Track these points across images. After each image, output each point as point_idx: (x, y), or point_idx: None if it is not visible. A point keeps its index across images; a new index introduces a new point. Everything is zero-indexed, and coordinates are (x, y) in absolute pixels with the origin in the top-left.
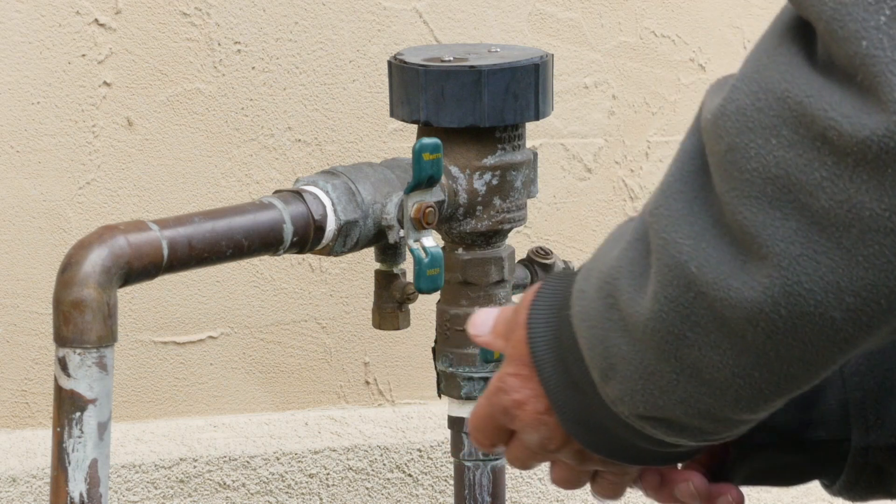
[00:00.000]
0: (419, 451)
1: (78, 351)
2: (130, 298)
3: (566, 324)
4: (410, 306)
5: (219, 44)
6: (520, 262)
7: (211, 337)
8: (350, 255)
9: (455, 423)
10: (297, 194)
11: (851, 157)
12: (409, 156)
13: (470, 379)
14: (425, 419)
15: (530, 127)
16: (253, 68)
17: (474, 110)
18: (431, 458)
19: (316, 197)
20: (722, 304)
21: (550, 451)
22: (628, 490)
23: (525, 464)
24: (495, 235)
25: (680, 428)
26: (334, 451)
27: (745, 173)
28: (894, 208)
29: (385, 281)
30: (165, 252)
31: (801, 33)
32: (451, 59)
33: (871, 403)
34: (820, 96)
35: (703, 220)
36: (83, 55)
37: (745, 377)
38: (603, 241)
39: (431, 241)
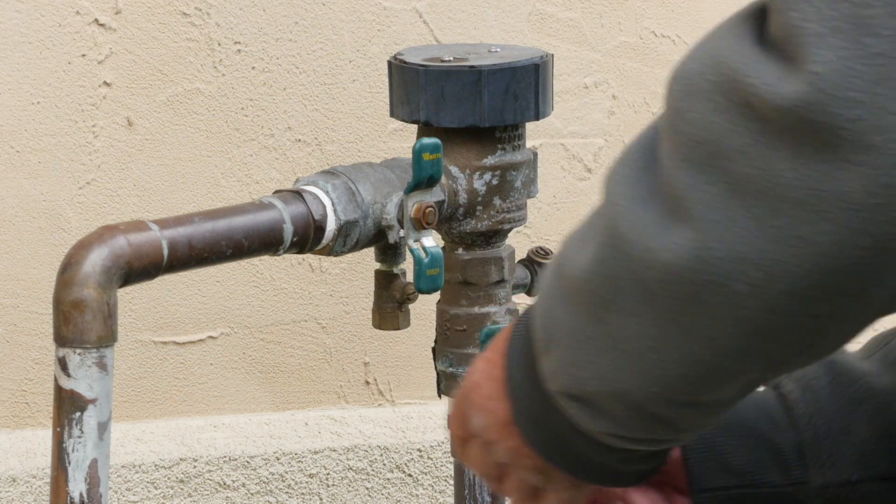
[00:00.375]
0: (419, 451)
1: (78, 351)
2: (130, 298)
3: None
4: (410, 306)
5: (219, 44)
6: (520, 262)
7: (211, 337)
8: (350, 255)
9: None
10: (297, 194)
11: (771, 125)
12: (409, 156)
13: None
14: (425, 419)
15: (530, 127)
16: (253, 68)
17: (474, 110)
18: (431, 458)
19: (316, 197)
20: (641, 264)
21: (491, 439)
22: None
23: (470, 458)
24: (495, 235)
25: (599, 412)
26: (334, 451)
27: (683, 136)
28: (807, 179)
29: (385, 281)
30: (165, 252)
31: (759, 14)
32: (451, 59)
33: (823, 443)
34: (750, 64)
35: (645, 184)
36: (83, 55)
37: (657, 351)
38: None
39: (431, 241)
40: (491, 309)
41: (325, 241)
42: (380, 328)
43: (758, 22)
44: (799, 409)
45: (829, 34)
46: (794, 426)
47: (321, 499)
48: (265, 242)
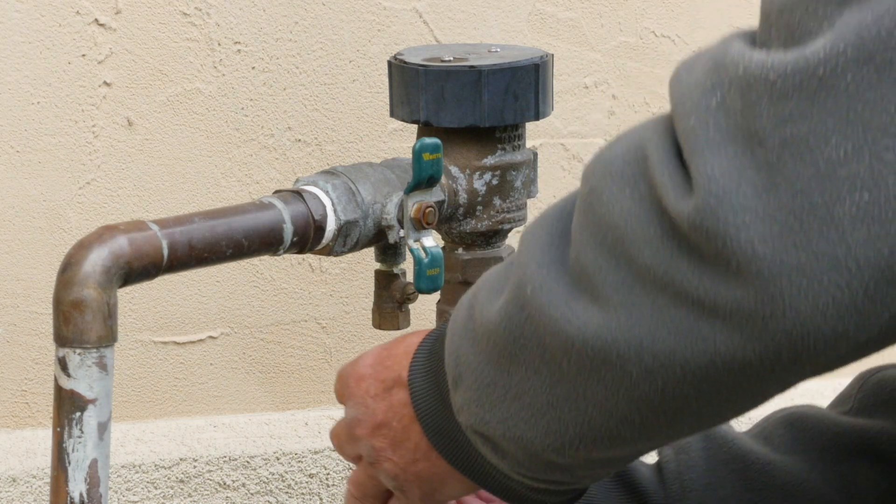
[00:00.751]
0: None
1: (78, 351)
2: (130, 298)
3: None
4: (410, 306)
5: (219, 44)
6: None
7: (211, 337)
8: (350, 255)
9: None
10: (297, 194)
11: (676, 225)
12: (409, 156)
13: None
14: None
15: (530, 127)
16: (253, 68)
17: (474, 110)
18: None
19: (316, 197)
20: (544, 330)
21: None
22: None
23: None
24: (495, 235)
25: (502, 453)
26: (334, 450)
27: (596, 216)
28: (704, 282)
29: (385, 281)
30: (165, 252)
31: None
32: (451, 59)
33: (689, 495)
34: (662, 164)
35: (557, 252)
36: (83, 55)
37: (557, 408)
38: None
39: (431, 241)
40: None
41: (325, 241)
42: (380, 328)
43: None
44: (670, 467)
45: (722, 143)
46: (661, 482)
47: (321, 499)
48: (265, 242)
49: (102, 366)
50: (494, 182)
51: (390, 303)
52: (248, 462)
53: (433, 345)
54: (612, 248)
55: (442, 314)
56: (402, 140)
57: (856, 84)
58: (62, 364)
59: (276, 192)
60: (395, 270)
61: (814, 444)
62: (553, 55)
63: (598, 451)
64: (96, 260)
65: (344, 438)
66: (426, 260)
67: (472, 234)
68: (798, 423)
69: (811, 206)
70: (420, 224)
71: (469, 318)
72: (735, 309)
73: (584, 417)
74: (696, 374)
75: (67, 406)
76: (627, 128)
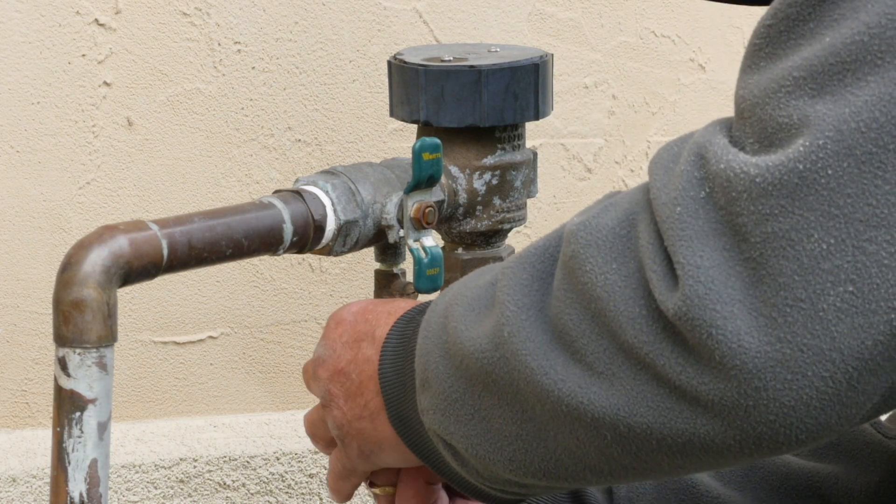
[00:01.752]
0: None
1: (78, 351)
2: (130, 298)
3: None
4: None
5: (219, 44)
6: None
7: (211, 337)
8: (350, 255)
9: None
10: (297, 194)
11: (660, 310)
12: (409, 156)
13: None
14: None
15: (530, 127)
16: (253, 68)
17: (474, 110)
18: None
19: (316, 197)
20: (519, 376)
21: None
22: None
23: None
24: (495, 235)
25: (462, 461)
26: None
27: (579, 283)
28: (685, 371)
29: (385, 281)
30: (165, 252)
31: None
32: (451, 59)
33: None
34: (653, 245)
35: (535, 295)
36: (83, 55)
37: (524, 441)
38: (492, 264)
39: (431, 240)
40: None
41: (324, 241)
42: None
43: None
44: (620, 492)
45: (709, 235)
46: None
47: (321, 499)
48: (265, 242)
49: (102, 366)
50: (494, 182)
51: None
52: (248, 462)
53: (412, 323)
54: (595, 317)
55: None
56: (402, 140)
57: (836, 179)
58: (62, 364)
59: (276, 192)
60: (395, 270)
61: (764, 482)
62: (553, 55)
63: (561, 483)
64: (96, 260)
65: (310, 374)
66: (426, 260)
67: (471, 233)
68: None
69: (795, 300)
70: (420, 224)
71: (442, 329)
72: (717, 399)
73: (552, 457)
74: (673, 448)
75: (67, 406)
76: (606, 199)
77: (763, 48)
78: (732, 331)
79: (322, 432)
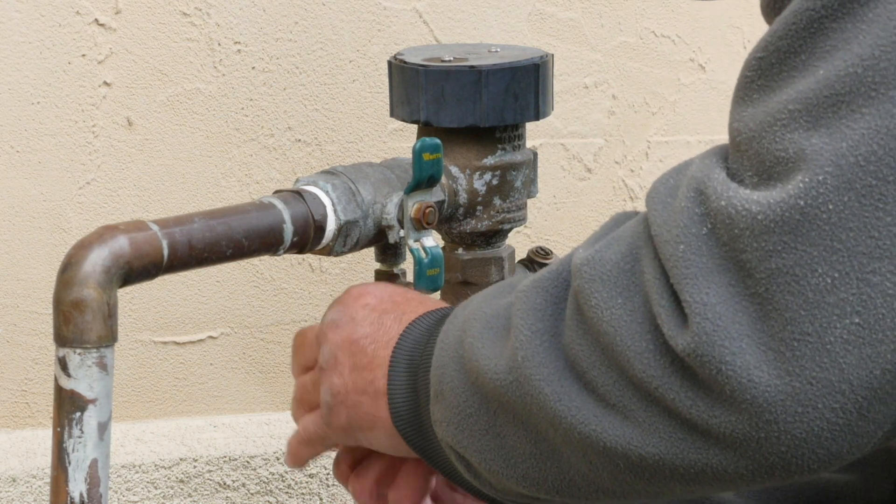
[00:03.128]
0: None
1: (78, 351)
2: (130, 298)
3: (437, 332)
4: None
5: (219, 44)
6: (520, 262)
7: (211, 337)
8: (350, 255)
9: None
10: (298, 194)
11: (668, 345)
12: (409, 156)
13: None
14: None
15: (530, 127)
16: (253, 68)
17: (474, 110)
18: None
19: (316, 197)
20: (533, 402)
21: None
22: None
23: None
24: (495, 235)
25: (474, 472)
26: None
27: (586, 319)
28: (695, 406)
29: (385, 281)
30: (165, 252)
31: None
32: (451, 59)
33: None
34: (659, 281)
35: (549, 320)
36: (83, 55)
37: (539, 460)
38: (512, 278)
39: (431, 241)
40: None
41: (325, 241)
42: None
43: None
44: None
45: (714, 271)
46: None
47: (321, 499)
48: (265, 242)
49: (102, 366)
50: (494, 182)
51: None
52: (248, 462)
53: (434, 327)
54: (604, 350)
55: None
56: (402, 140)
57: (838, 213)
58: (62, 364)
59: (277, 192)
60: (395, 270)
61: (779, 491)
62: (553, 55)
63: (575, 500)
64: (96, 260)
65: (310, 338)
66: (426, 260)
67: (472, 233)
68: None
69: (802, 333)
70: (420, 224)
71: (459, 344)
72: (729, 432)
73: (565, 477)
74: (686, 476)
75: (67, 406)
76: (614, 223)
77: (755, 80)
78: (742, 366)
79: (312, 397)
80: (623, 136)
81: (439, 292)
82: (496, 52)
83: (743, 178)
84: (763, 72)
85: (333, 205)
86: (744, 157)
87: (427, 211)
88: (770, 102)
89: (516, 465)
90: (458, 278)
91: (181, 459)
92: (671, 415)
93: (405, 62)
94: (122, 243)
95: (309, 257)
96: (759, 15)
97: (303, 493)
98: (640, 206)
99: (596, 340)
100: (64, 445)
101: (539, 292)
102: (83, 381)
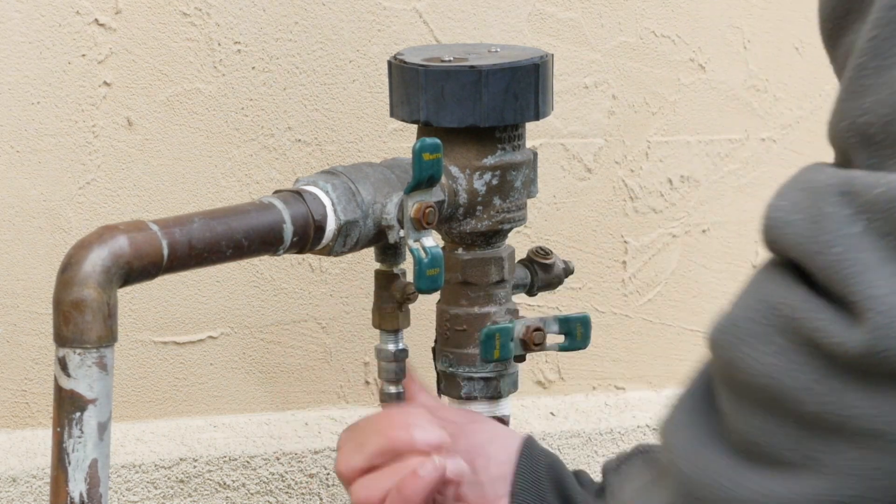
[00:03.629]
0: None
1: (78, 351)
2: (130, 298)
3: None
4: (410, 306)
5: (219, 44)
6: (520, 262)
7: (211, 337)
8: (350, 255)
9: None
10: (297, 194)
11: (838, 361)
12: (409, 156)
13: (470, 379)
14: None
15: (530, 127)
16: (253, 68)
17: (474, 110)
18: None
19: (316, 197)
20: (717, 498)
21: None
22: None
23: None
24: (495, 235)
25: None
26: (334, 451)
27: (741, 385)
28: (883, 411)
29: (385, 281)
30: (165, 252)
31: (790, 265)
32: (451, 59)
33: None
34: (809, 301)
35: (704, 429)
36: (83, 55)
37: None
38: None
39: (431, 241)
40: (491, 309)
41: (325, 241)
42: (380, 328)
43: (794, 269)
44: None
45: (880, 263)
46: None
47: (321, 499)
48: (265, 242)
49: (102, 366)
50: (494, 182)
51: (390, 303)
52: (248, 462)
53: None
54: (768, 408)
55: (442, 314)
56: (402, 140)
57: None
58: (62, 364)
59: (276, 192)
60: (395, 270)
61: None
62: (553, 55)
63: None
64: (96, 260)
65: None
66: (426, 260)
67: (472, 234)
68: None
69: None
70: (420, 224)
71: None
72: None
73: None
74: None
75: (67, 406)
76: (732, 303)
77: (868, 65)
78: None
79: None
80: (623, 136)
81: (439, 292)
82: (496, 52)
83: (885, 166)
84: (877, 51)
85: (333, 205)
86: (884, 145)
87: (427, 211)
88: (893, 80)
89: None
90: (458, 278)
91: (181, 459)
92: (859, 436)
93: (405, 62)
94: (121, 243)
95: (309, 257)
96: (759, 15)
97: (303, 493)
98: (641, 206)
99: (758, 404)
100: (64, 445)
101: (681, 411)
102: (83, 381)
